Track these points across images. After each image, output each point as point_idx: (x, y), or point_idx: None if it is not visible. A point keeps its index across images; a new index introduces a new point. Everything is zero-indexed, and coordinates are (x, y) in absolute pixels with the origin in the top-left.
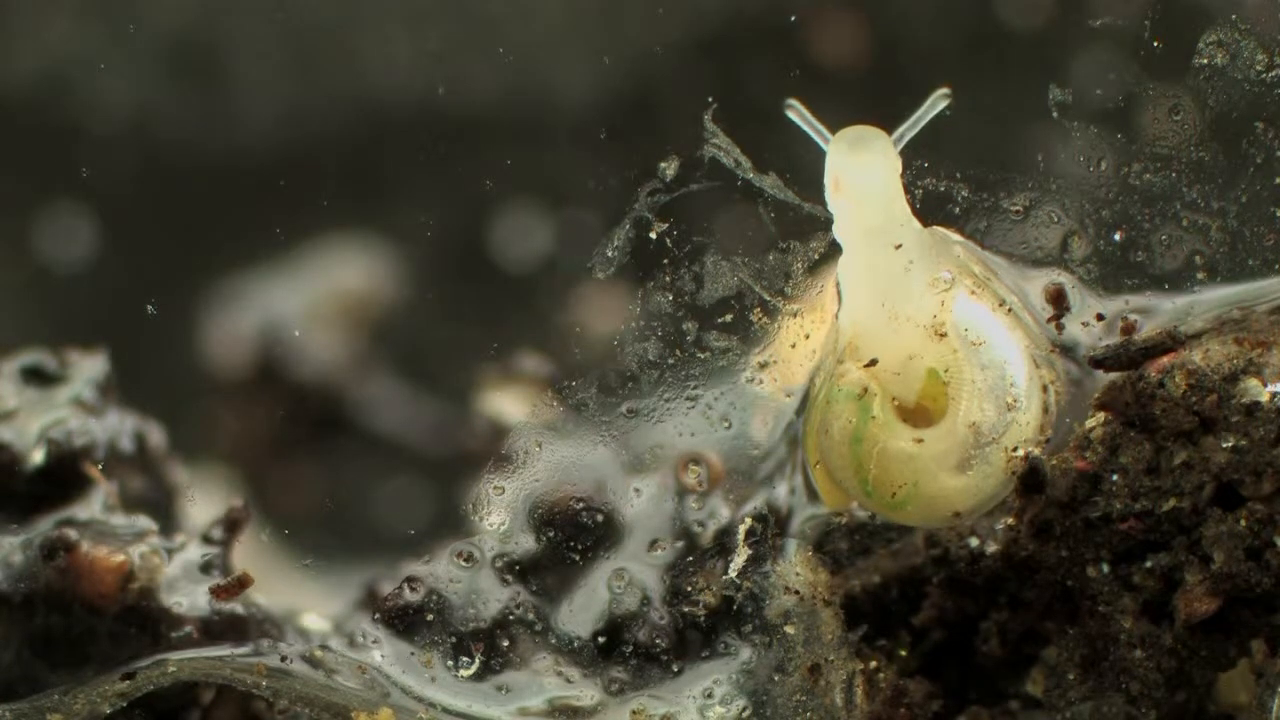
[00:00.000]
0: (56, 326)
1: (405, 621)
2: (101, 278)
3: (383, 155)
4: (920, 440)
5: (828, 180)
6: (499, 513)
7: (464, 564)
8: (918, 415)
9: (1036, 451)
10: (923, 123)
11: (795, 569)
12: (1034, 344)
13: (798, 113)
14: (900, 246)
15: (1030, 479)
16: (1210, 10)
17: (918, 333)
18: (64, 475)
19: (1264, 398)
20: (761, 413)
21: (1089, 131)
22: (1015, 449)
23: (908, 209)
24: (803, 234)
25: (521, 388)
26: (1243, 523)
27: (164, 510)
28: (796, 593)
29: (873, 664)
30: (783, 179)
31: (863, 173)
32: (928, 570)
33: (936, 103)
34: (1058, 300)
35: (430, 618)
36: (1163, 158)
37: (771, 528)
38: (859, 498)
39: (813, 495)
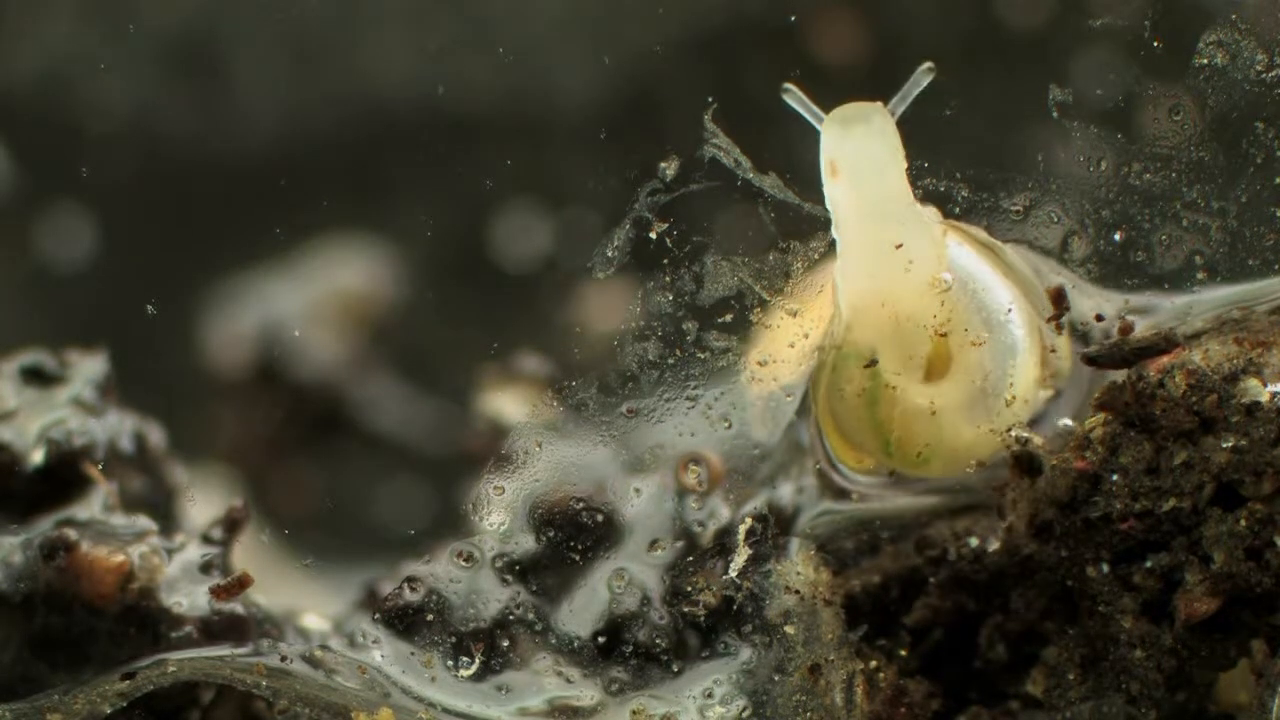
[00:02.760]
0: (56, 326)
1: (405, 621)
2: (101, 278)
3: (383, 155)
4: (936, 396)
5: (823, 165)
6: (499, 513)
7: (464, 564)
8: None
9: (1026, 434)
10: (910, 98)
11: (797, 568)
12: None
13: (794, 97)
14: (900, 246)
15: (1023, 461)
16: (1210, 10)
17: (916, 295)
18: (64, 475)
19: (1264, 398)
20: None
21: (1089, 131)
22: (1010, 430)
23: (908, 189)
24: (803, 234)
25: (521, 388)
26: (1243, 523)
27: (164, 510)
28: (797, 592)
29: (873, 664)
30: (783, 179)
31: (857, 148)
32: (927, 570)
33: (920, 78)
34: (1058, 300)
35: (430, 618)
36: (1163, 158)
37: (772, 527)
38: (878, 457)
39: (830, 466)
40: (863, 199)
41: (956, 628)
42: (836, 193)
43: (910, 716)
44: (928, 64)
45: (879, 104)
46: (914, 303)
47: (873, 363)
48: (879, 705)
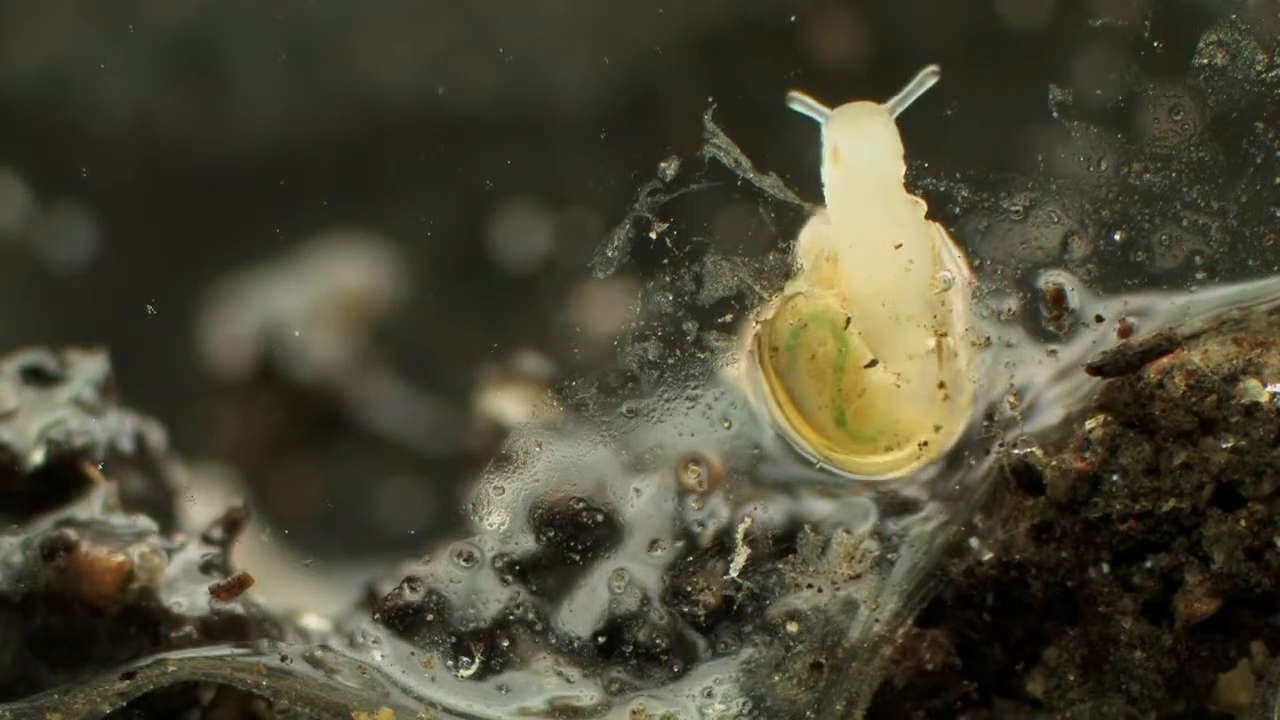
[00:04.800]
0: (56, 326)
1: (405, 621)
2: (101, 278)
3: (383, 155)
4: (899, 374)
5: (826, 151)
6: (499, 513)
7: (464, 564)
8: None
9: (1030, 447)
10: (911, 98)
11: (829, 558)
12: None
13: (800, 102)
14: (900, 246)
15: (1022, 475)
16: (1210, 10)
17: (917, 295)
18: (64, 475)
19: (1263, 398)
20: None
21: (1089, 131)
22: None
23: (904, 191)
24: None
25: (521, 388)
26: (1243, 523)
27: (164, 510)
28: (809, 585)
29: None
30: (783, 179)
31: (861, 140)
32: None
33: (925, 80)
34: (1058, 300)
35: (430, 618)
36: (1163, 158)
37: (772, 528)
38: (822, 425)
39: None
40: (860, 189)
41: (960, 632)
42: (835, 178)
43: (933, 648)
44: (933, 67)
45: (883, 106)
46: (914, 303)
47: (873, 363)
48: (898, 649)
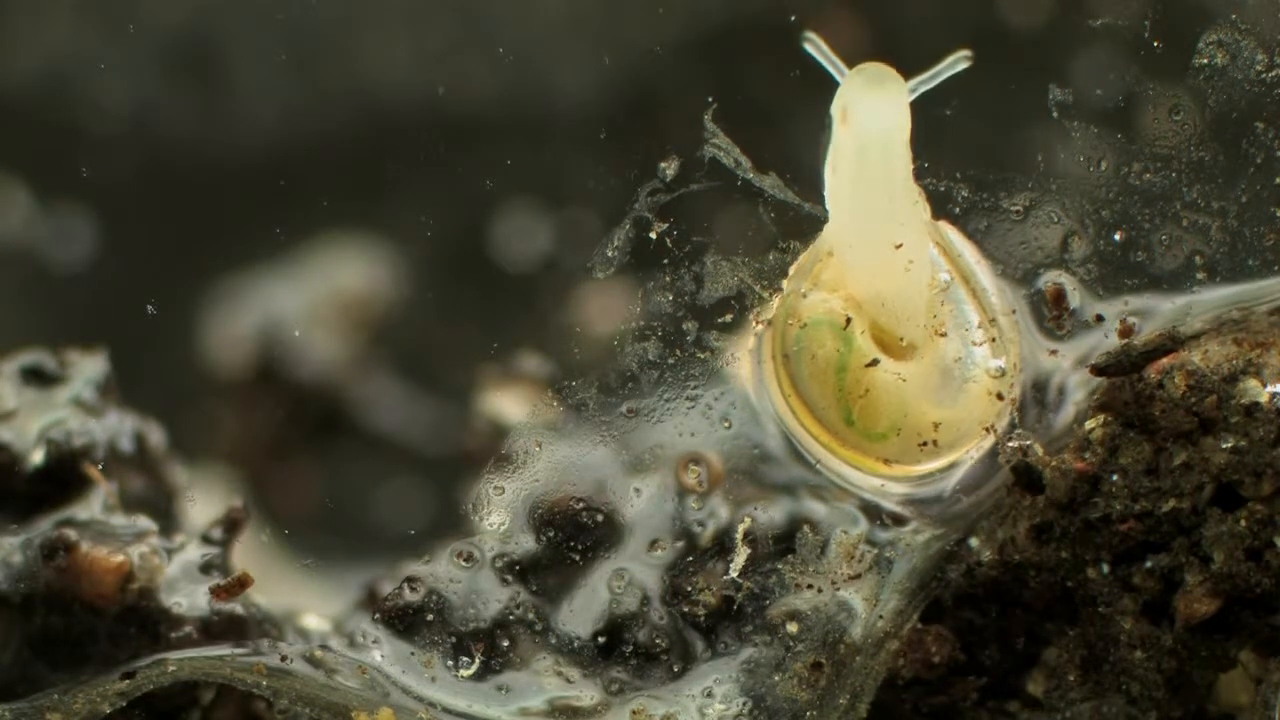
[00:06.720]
0: (56, 326)
1: (405, 621)
2: (101, 278)
3: (383, 155)
4: (903, 371)
5: (835, 110)
6: (499, 513)
7: (464, 564)
8: (889, 348)
9: (1028, 440)
10: (938, 79)
11: (829, 560)
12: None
13: (816, 47)
14: (900, 246)
15: (1023, 474)
16: (1210, 10)
17: (916, 296)
18: (64, 475)
19: (1263, 398)
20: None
21: (1089, 131)
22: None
23: (910, 175)
24: (803, 234)
25: (521, 388)
26: (1243, 523)
27: (164, 510)
28: (810, 586)
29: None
30: (783, 179)
31: (875, 107)
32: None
33: (957, 63)
34: (1058, 300)
35: (430, 618)
36: (1163, 158)
37: (770, 529)
38: (835, 426)
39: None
40: (865, 156)
41: (958, 633)
42: (841, 142)
43: (939, 641)
44: (964, 51)
45: (901, 78)
46: (914, 303)
47: (874, 362)
48: (901, 643)
